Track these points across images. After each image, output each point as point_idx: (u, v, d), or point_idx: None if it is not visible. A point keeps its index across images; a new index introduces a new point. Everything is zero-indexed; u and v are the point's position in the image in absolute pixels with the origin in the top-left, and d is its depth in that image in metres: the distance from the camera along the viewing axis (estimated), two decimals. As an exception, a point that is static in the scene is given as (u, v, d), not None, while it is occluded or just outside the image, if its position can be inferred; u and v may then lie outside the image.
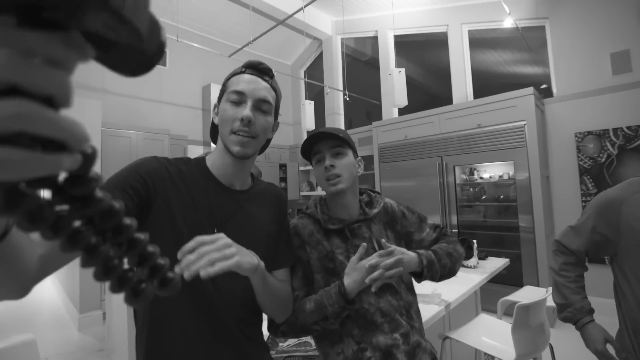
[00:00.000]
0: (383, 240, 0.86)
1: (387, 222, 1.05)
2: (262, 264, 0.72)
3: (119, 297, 2.58)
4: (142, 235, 0.26)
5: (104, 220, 0.23)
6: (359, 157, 1.05)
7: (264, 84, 0.77)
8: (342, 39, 5.94)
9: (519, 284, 3.16)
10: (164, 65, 4.75)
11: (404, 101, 2.57)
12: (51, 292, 5.15)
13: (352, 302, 0.85)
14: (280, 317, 0.87)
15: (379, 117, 5.44)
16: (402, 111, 5.16)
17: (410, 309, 0.98)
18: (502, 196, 3.82)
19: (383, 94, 5.29)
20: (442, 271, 0.95)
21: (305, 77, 6.31)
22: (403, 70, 2.67)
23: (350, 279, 0.85)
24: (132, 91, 4.42)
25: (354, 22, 5.52)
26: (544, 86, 3.95)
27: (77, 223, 0.22)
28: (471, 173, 4.02)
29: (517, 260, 3.30)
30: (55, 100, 0.18)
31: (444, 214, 3.87)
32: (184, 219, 0.72)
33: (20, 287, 0.43)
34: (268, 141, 0.86)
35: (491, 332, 1.67)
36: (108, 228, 0.24)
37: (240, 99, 0.75)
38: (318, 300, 0.87)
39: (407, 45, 5.27)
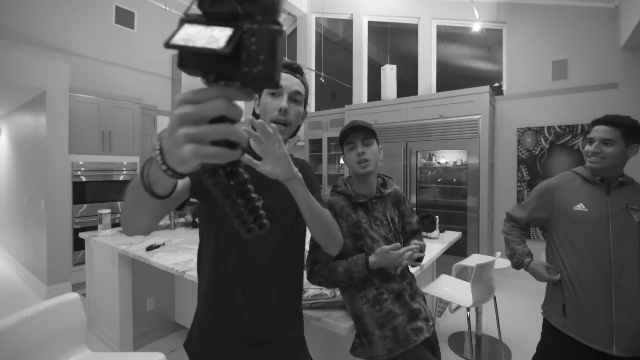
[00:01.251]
0: (416, 247, 1.17)
1: (395, 202, 1.37)
2: (298, 175, 0.81)
3: (103, 266, 2.63)
4: (256, 195, 0.41)
5: (241, 184, 0.40)
6: (380, 146, 1.33)
7: (296, 80, 0.95)
8: (316, 18, 5.98)
9: (463, 254, 3.74)
10: (132, 27, 4.47)
11: (393, 95, 2.86)
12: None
13: (372, 272, 1.17)
14: (331, 245, 0.96)
15: (344, 98, 5.69)
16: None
17: (409, 267, 1.32)
18: (454, 179, 4.36)
19: (355, 79, 5.53)
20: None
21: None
22: (394, 67, 2.94)
23: (376, 260, 1.14)
24: (98, 54, 4.13)
25: (331, 2, 5.60)
26: (496, 84, 4.47)
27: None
28: (430, 158, 4.50)
29: (463, 234, 3.88)
30: (236, 120, 0.35)
31: (406, 192, 4.32)
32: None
33: (152, 226, 0.64)
34: (298, 127, 1.04)
35: (450, 286, 2.11)
36: (242, 189, 0.40)
37: (278, 92, 0.92)
38: (347, 266, 1.18)
39: (376, 31, 5.50)
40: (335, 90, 8.16)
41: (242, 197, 0.40)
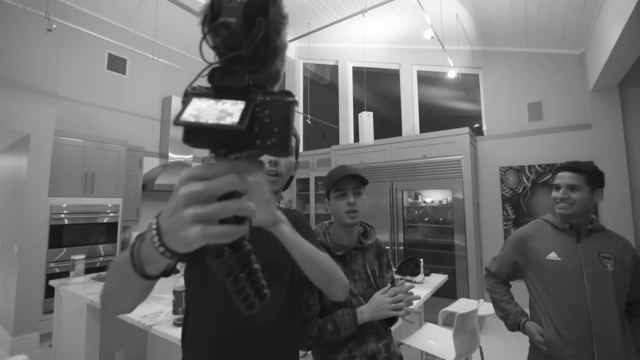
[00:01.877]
0: (402, 281, 1.15)
1: (377, 254, 1.30)
2: (283, 218, 0.78)
3: (71, 316, 2.48)
4: (258, 266, 0.38)
5: (244, 257, 0.36)
6: (366, 196, 1.27)
7: None
8: (304, 63, 6.27)
9: (454, 296, 3.63)
10: (124, 73, 4.61)
11: (370, 140, 2.94)
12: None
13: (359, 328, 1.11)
14: (335, 289, 0.87)
15: (333, 137, 5.81)
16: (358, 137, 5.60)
17: (388, 326, 1.25)
18: (441, 218, 4.34)
19: (341, 120, 5.69)
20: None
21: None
22: (371, 113, 3.05)
23: (365, 310, 1.11)
24: (87, 98, 4.22)
25: (317, 50, 5.90)
26: (476, 125, 4.63)
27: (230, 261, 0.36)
28: (416, 197, 4.51)
29: (452, 275, 3.79)
30: (245, 193, 0.33)
31: (393, 231, 4.28)
32: None
33: (137, 304, 0.57)
34: (291, 178, 1.02)
35: (435, 337, 2.01)
36: (244, 262, 0.36)
37: None
38: (335, 323, 1.10)
39: (362, 74, 5.76)
40: (324, 130, 8.38)
41: (244, 270, 0.36)
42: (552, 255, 1.38)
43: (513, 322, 1.46)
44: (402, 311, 1.09)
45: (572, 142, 3.85)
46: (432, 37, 3.56)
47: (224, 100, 0.29)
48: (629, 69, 3.25)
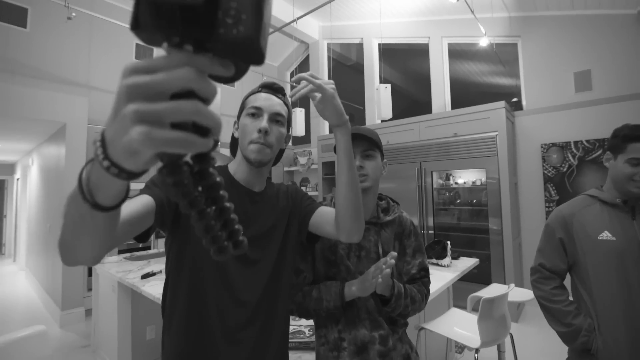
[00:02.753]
0: (394, 253, 0.91)
1: (398, 234, 1.13)
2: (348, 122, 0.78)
3: (106, 293, 2.63)
4: (230, 205, 0.32)
5: (212, 189, 0.30)
6: (385, 160, 1.12)
7: (278, 100, 0.89)
8: (328, 43, 6.09)
9: (487, 282, 3.42)
10: (151, 62, 4.75)
11: (388, 114, 2.77)
12: (27, 289, 5.04)
13: (345, 305, 0.98)
14: (356, 227, 0.82)
15: (362, 120, 5.64)
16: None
17: (383, 306, 1.07)
18: (474, 200, 4.09)
19: (367, 100, 5.49)
20: (401, 309, 1.01)
21: (291, 80, 6.43)
22: (389, 86, 2.87)
23: (355, 289, 0.96)
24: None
25: (341, 29, 5.69)
26: (514, 99, 4.25)
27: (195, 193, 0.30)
28: (447, 178, 4.28)
29: (487, 260, 3.57)
30: (207, 99, 0.26)
31: (422, 215, 4.11)
32: None
33: (99, 254, 0.48)
34: (282, 151, 0.97)
35: (460, 323, 1.88)
36: (213, 196, 0.31)
37: (258, 112, 0.86)
38: (319, 291, 1.00)
39: (390, 52, 5.49)
40: (353, 113, 8.19)
41: (214, 206, 0.31)
42: (605, 235, 1.19)
43: (587, 339, 1.18)
44: (382, 274, 0.89)
45: (628, 113, 3.41)
46: (457, 0, 3.24)
47: None
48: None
